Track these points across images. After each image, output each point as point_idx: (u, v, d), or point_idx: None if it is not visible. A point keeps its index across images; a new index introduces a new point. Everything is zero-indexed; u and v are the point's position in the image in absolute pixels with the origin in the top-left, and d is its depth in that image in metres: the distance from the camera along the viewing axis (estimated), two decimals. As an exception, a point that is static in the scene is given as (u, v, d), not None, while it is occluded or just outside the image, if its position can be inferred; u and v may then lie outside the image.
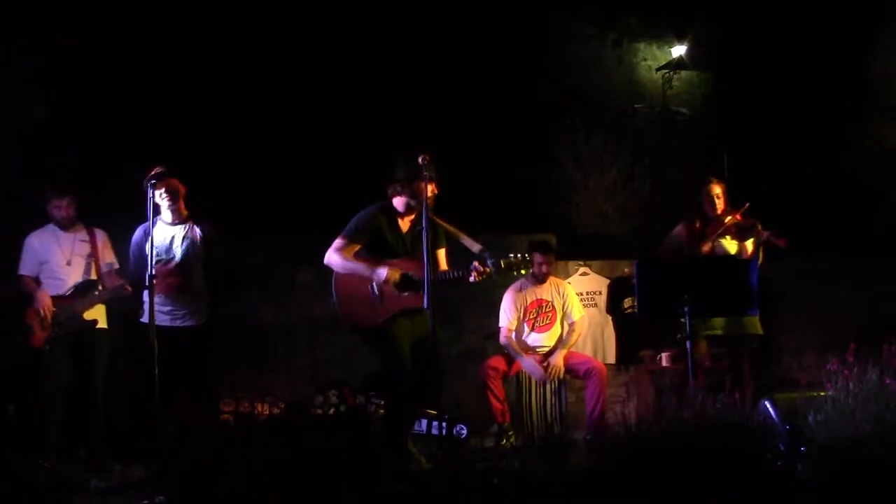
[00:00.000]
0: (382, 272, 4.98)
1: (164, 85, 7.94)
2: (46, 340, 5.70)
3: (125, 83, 7.85)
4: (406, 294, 4.99)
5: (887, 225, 8.48)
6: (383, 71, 8.50)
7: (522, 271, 5.07)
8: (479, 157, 8.12)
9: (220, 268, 5.62)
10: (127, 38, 7.89)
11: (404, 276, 4.98)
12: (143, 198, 5.28)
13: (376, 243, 5.12)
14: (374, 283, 5.03)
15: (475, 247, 5.00)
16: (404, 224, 5.20)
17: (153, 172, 5.20)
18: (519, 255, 4.99)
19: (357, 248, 5.12)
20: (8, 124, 6.96)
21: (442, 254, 5.30)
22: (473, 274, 4.96)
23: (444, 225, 5.15)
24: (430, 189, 4.94)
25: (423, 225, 4.77)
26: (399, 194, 5.17)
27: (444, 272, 5.13)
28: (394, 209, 5.20)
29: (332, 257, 5.11)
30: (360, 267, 5.05)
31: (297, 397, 6.91)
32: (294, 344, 7.51)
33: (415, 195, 5.07)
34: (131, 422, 6.14)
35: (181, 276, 5.47)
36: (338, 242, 5.12)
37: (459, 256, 5.22)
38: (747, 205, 6.06)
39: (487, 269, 4.95)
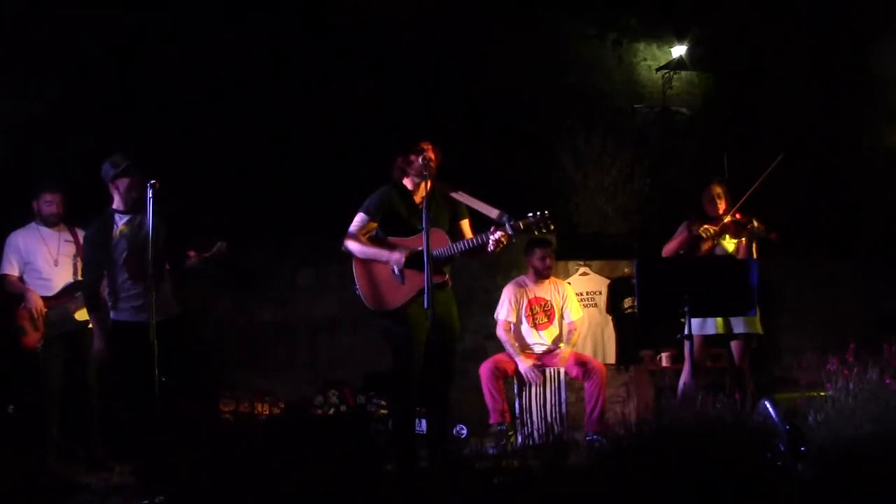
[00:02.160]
0: (401, 258, 4.91)
1: (164, 85, 7.95)
2: (39, 341, 5.69)
3: (126, 83, 7.87)
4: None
5: (887, 225, 8.48)
6: (383, 71, 8.50)
7: (544, 230, 4.81)
8: (478, 156, 8.12)
9: (175, 252, 5.35)
10: (127, 38, 7.90)
11: (416, 258, 4.84)
12: (109, 203, 5.22)
13: (393, 221, 5.07)
14: (395, 266, 5.00)
15: (493, 212, 4.85)
16: (419, 199, 5.09)
17: (124, 166, 5.15)
18: (538, 213, 4.77)
19: (374, 226, 5.08)
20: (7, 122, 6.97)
21: (466, 224, 5.17)
22: (492, 242, 4.79)
23: (458, 195, 5.04)
24: (432, 157, 4.90)
25: (425, 212, 4.70)
26: (403, 171, 5.13)
27: (464, 241, 4.97)
28: (405, 187, 5.16)
29: (351, 244, 5.05)
30: (377, 253, 5.00)
31: (297, 397, 6.92)
32: (294, 344, 7.51)
33: (415, 167, 5.01)
34: (131, 421, 6.12)
35: (145, 264, 5.06)
36: (355, 223, 5.08)
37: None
38: (782, 156, 6.02)
39: (506, 234, 4.77)
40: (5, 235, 5.92)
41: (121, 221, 5.22)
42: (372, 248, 5.03)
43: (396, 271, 4.97)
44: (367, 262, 5.05)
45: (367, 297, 5.04)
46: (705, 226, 5.97)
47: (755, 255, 5.98)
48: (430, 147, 4.99)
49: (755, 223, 5.97)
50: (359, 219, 5.10)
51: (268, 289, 7.53)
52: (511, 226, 4.75)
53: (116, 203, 5.24)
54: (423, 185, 5.01)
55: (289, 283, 7.59)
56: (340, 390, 6.89)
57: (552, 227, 4.80)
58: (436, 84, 8.55)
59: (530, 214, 4.79)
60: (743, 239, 6.03)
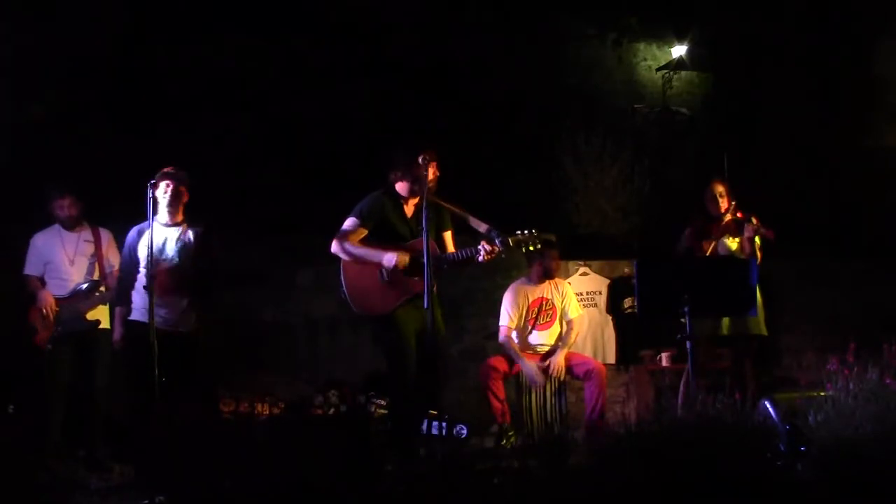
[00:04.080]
0: (392, 258, 4.94)
1: (164, 85, 7.95)
2: (49, 340, 5.70)
3: (126, 83, 7.87)
4: (416, 278, 4.91)
5: (887, 225, 8.48)
6: (383, 71, 8.50)
7: (531, 247, 4.95)
8: (479, 157, 8.12)
9: (209, 271, 5.53)
10: (127, 38, 7.90)
11: (413, 260, 4.93)
12: (144, 198, 5.27)
13: (383, 228, 5.08)
14: (384, 269, 5.01)
15: (482, 226, 4.92)
16: (409, 208, 5.15)
17: (164, 170, 5.28)
18: (527, 231, 4.89)
19: (364, 233, 5.08)
20: (9, 123, 6.97)
21: (449, 236, 5.23)
22: (482, 254, 4.87)
23: (449, 207, 5.09)
24: (432, 172, 4.94)
25: (424, 214, 4.73)
26: (400, 180, 5.14)
27: (453, 254, 5.06)
28: (397, 194, 5.17)
29: (340, 245, 5.07)
30: (369, 253, 5.02)
31: (297, 397, 6.91)
32: (294, 344, 7.51)
33: (415, 178, 5.03)
34: (131, 421, 6.12)
35: (173, 279, 5.34)
36: (345, 228, 5.08)
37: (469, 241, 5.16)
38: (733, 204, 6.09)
39: (496, 248, 4.86)
40: (10, 236, 5.93)
41: (162, 230, 5.38)
42: (363, 249, 5.04)
43: (385, 276, 4.98)
44: (355, 266, 5.06)
45: (354, 302, 5.07)
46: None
47: (759, 255, 5.96)
48: (432, 156, 5.00)
49: (754, 220, 5.97)
50: (350, 223, 5.10)
51: (268, 289, 7.52)
52: (500, 241, 4.85)
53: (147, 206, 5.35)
54: (417, 196, 5.05)
55: (289, 283, 7.58)
56: (340, 390, 6.88)
57: (539, 245, 4.98)
58: (436, 84, 8.55)
59: (518, 232, 4.90)
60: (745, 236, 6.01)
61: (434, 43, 8.66)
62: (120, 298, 5.47)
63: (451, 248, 5.20)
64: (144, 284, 5.10)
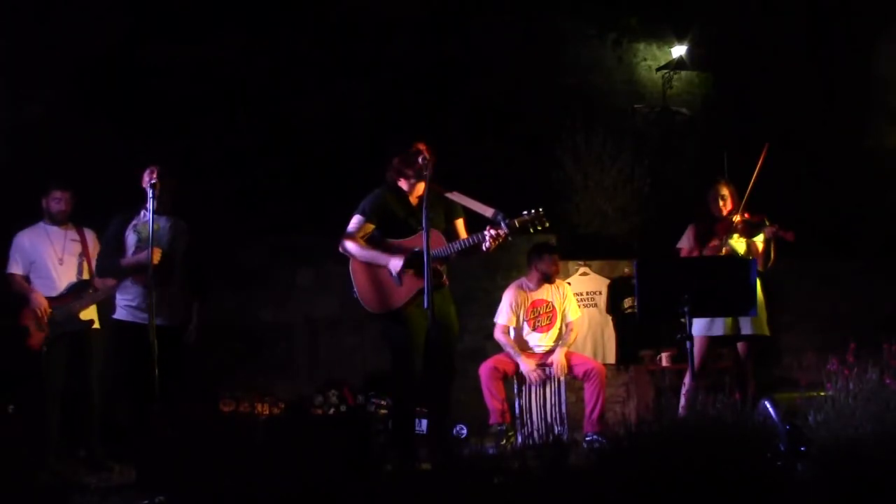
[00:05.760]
0: (397, 264, 4.93)
1: (165, 85, 7.95)
2: (44, 341, 5.69)
3: (126, 83, 7.87)
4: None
5: (887, 225, 8.48)
6: (384, 71, 8.51)
7: (539, 227, 4.83)
8: (478, 157, 8.12)
9: (198, 265, 5.46)
10: (127, 38, 7.90)
11: (413, 259, 4.88)
12: (142, 197, 5.26)
13: (390, 222, 5.07)
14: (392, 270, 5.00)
15: (488, 211, 4.85)
16: (414, 199, 5.12)
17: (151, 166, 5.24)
18: (533, 211, 4.80)
19: (371, 228, 5.08)
20: (9, 123, 6.97)
21: (460, 224, 5.18)
22: (488, 240, 4.80)
23: (453, 196, 5.04)
24: (424, 158, 4.91)
25: (425, 213, 4.69)
26: (398, 174, 5.13)
27: (461, 241, 4.99)
28: (400, 188, 5.16)
29: (349, 245, 5.06)
30: (376, 256, 5.01)
31: (297, 397, 6.92)
32: (294, 344, 7.51)
33: (408, 172, 5.03)
34: (130, 421, 6.12)
35: (161, 267, 5.19)
36: (351, 225, 5.08)
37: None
38: (767, 145, 5.93)
39: (502, 232, 4.79)
40: (9, 235, 5.92)
41: (144, 218, 5.29)
42: (370, 251, 5.04)
43: (394, 274, 4.97)
44: (364, 265, 5.05)
45: (365, 300, 5.05)
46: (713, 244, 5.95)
47: (773, 256, 5.90)
48: (425, 147, 5.00)
49: (767, 222, 5.88)
50: (355, 221, 5.09)
51: (268, 289, 7.53)
52: (507, 224, 4.78)
53: (148, 203, 5.30)
54: (418, 185, 5.03)
55: (289, 283, 7.59)
56: (340, 390, 6.88)
57: (547, 224, 4.84)
58: (436, 84, 8.55)
59: (525, 213, 4.82)
60: (758, 239, 5.93)
61: (434, 43, 8.66)
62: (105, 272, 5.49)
63: (463, 236, 5.12)
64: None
